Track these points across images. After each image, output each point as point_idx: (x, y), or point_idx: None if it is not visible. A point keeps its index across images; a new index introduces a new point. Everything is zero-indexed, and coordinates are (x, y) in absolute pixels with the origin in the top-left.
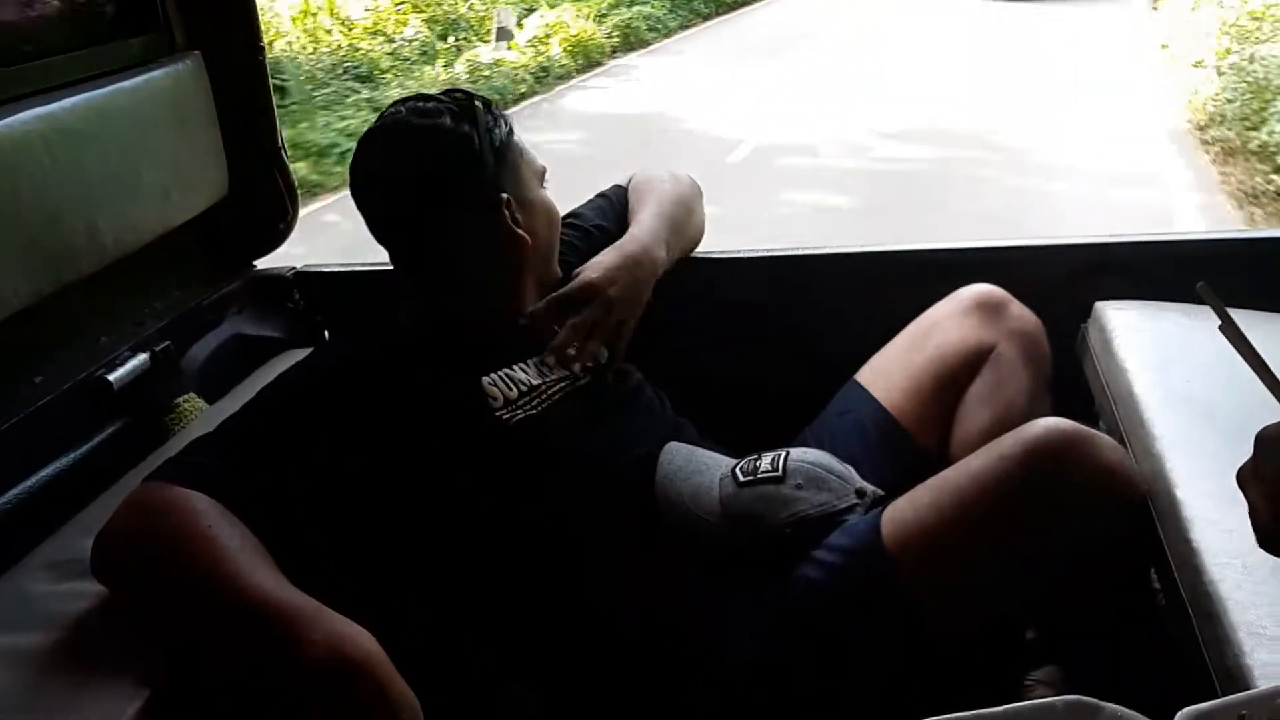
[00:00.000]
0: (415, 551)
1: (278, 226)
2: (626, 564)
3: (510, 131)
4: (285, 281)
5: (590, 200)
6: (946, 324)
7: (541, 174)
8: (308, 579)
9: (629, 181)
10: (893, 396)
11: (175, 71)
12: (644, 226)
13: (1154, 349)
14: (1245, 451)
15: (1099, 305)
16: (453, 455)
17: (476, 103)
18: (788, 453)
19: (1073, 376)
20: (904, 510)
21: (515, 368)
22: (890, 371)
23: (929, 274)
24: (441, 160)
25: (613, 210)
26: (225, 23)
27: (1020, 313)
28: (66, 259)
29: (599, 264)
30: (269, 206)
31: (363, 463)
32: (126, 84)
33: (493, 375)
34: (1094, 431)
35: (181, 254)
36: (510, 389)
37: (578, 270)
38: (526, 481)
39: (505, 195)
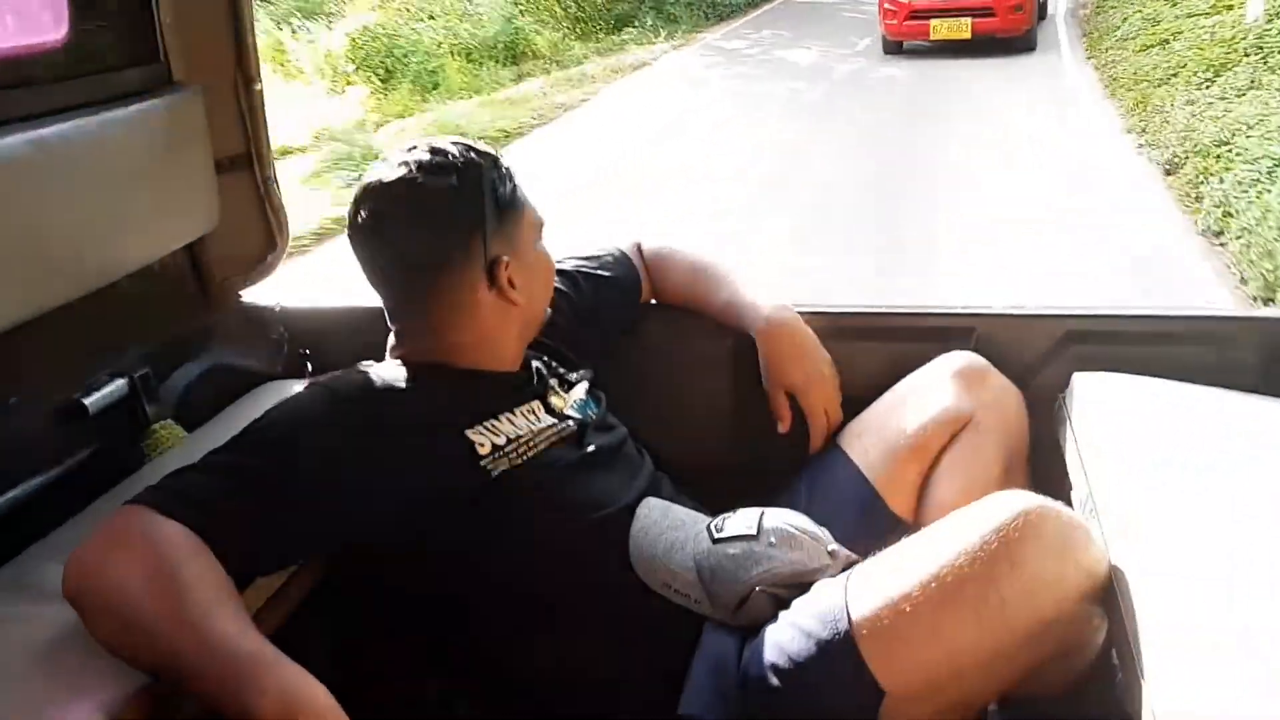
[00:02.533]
0: (388, 595)
1: (266, 259)
2: (596, 616)
3: (515, 188)
4: (271, 315)
5: (577, 253)
6: (926, 390)
7: (540, 227)
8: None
9: (633, 249)
10: (870, 459)
11: (171, 103)
12: (742, 303)
13: (1129, 423)
14: (1207, 529)
15: (1077, 376)
16: (434, 502)
17: (483, 159)
18: (764, 512)
19: (1051, 446)
20: (868, 574)
21: (501, 418)
22: (868, 435)
23: (913, 337)
24: (443, 222)
25: (604, 264)
26: (223, 57)
27: (1000, 383)
28: (49, 283)
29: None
30: (258, 240)
31: (345, 505)
32: (121, 113)
33: (478, 426)
34: (1059, 506)
35: (169, 283)
36: (498, 436)
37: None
38: (506, 531)
39: (505, 258)
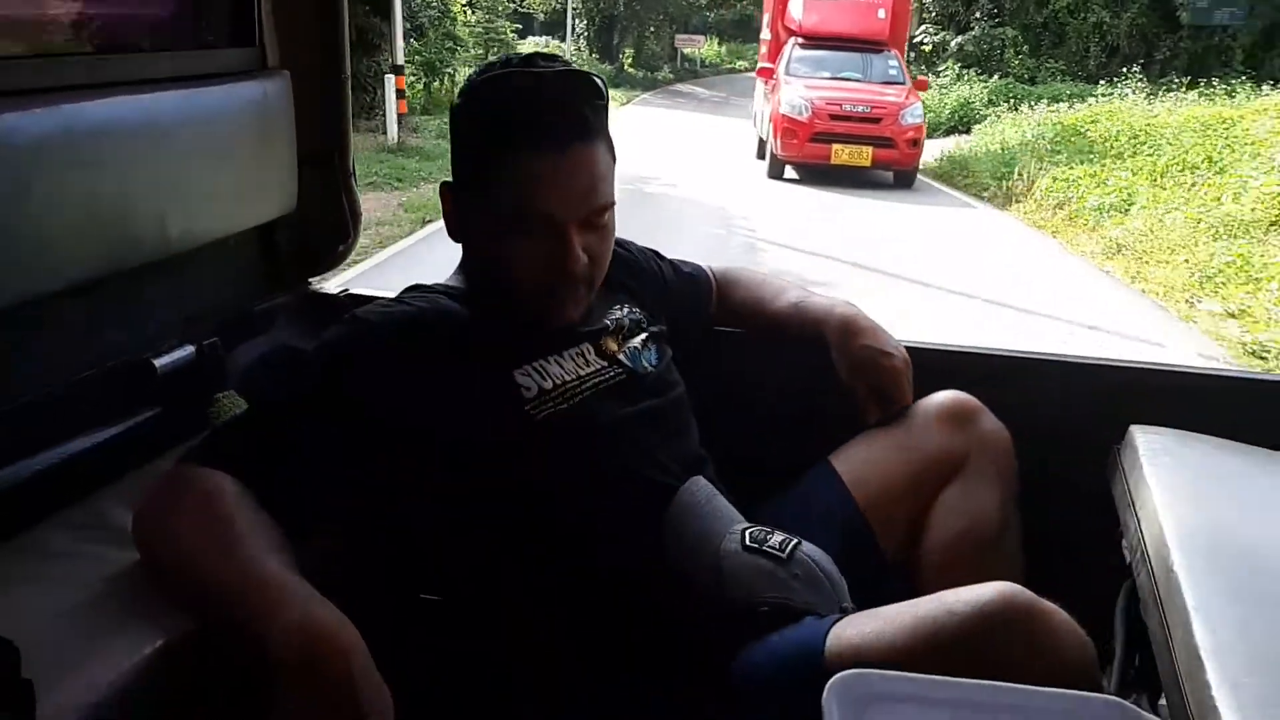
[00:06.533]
0: (424, 536)
1: (337, 249)
2: (613, 578)
3: (526, 128)
4: (336, 301)
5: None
6: (922, 427)
7: (536, 179)
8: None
9: (711, 270)
10: (865, 491)
11: (262, 87)
12: (809, 303)
13: (1186, 479)
14: (1263, 587)
15: (1134, 429)
16: (476, 444)
17: (518, 72)
18: (800, 541)
19: (1101, 495)
20: (852, 634)
21: (550, 359)
22: (865, 464)
23: (956, 378)
24: (457, 123)
25: (685, 265)
26: (315, 47)
27: (992, 425)
28: (131, 242)
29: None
30: (332, 228)
31: (387, 441)
32: (216, 90)
33: (526, 366)
34: (1050, 606)
35: (242, 260)
36: (545, 380)
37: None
38: (541, 479)
39: (454, 189)
